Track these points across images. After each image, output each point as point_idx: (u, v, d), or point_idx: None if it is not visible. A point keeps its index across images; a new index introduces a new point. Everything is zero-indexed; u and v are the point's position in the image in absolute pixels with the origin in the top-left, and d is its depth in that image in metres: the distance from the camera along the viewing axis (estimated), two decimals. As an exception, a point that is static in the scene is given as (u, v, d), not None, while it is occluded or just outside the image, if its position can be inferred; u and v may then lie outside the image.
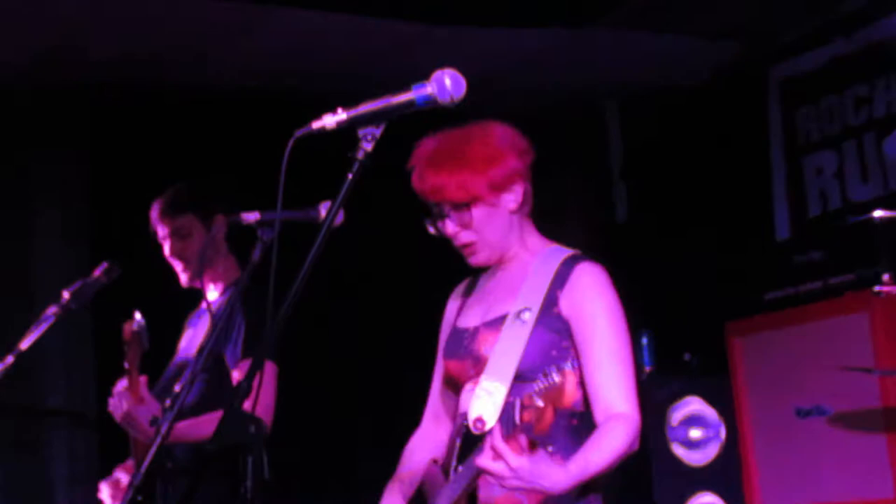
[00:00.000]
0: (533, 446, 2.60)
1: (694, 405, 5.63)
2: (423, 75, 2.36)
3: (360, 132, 2.32)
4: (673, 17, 5.79)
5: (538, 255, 2.92)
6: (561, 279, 2.84)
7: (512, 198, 2.89)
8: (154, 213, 4.05)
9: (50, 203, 5.93)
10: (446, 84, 2.33)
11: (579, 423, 2.83)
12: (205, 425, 3.64)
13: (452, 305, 3.10)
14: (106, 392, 4.00)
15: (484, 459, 2.56)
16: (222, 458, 2.30)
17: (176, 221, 4.01)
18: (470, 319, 2.97)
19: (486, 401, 2.75)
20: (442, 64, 2.38)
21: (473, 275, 3.09)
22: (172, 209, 4.01)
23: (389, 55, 5.80)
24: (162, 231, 4.05)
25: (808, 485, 5.23)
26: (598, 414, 2.78)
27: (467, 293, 3.08)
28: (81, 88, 5.92)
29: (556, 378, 2.45)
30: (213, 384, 3.81)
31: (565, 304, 2.83)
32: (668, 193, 6.57)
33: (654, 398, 5.55)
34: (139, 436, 3.69)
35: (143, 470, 2.45)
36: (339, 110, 2.30)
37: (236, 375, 3.75)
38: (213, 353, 3.79)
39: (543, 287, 2.84)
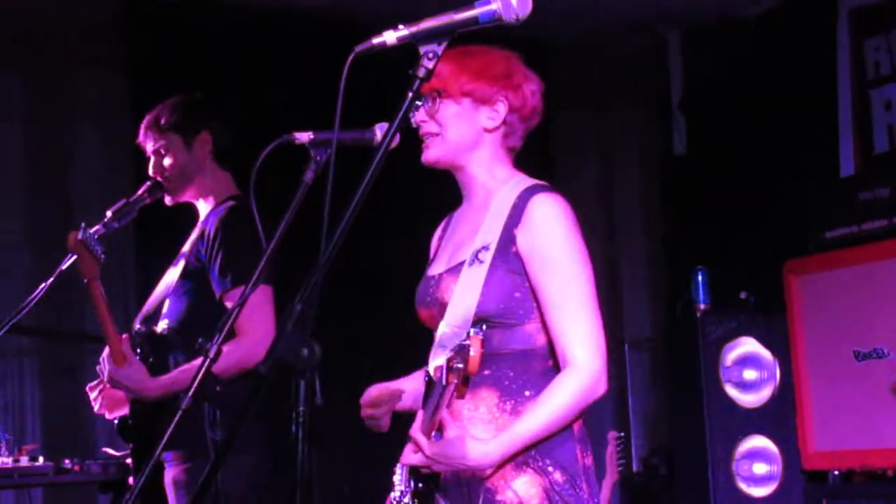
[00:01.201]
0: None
1: (749, 345, 5.52)
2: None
3: (422, 49, 2.22)
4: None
5: (503, 187, 2.82)
6: (517, 214, 2.74)
7: (489, 115, 2.81)
8: (141, 129, 3.95)
9: (91, 120, 5.86)
10: (512, 1, 2.22)
11: (554, 364, 2.74)
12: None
13: (433, 249, 3.04)
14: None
15: (406, 456, 2.63)
16: (263, 395, 2.21)
17: (158, 140, 3.91)
18: (437, 266, 2.91)
19: (444, 351, 2.66)
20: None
21: (450, 214, 3.03)
22: (155, 127, 3.92)
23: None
24: (148, 148, 3.95)
25: (864, 430, 5.16)
26: (560, 361, 2.71)
27: (442, 234, 3.02)
28: (125, 3, 5.81)
29: (466, 343, 2.36)
30: (198, 294, 3.75)
31: (522, 242, 2.73)
32: (729, 126, 6.40)
33: (708, 337, 5.46)
34: (131, 394, 3.68)
35: (189, 394, 2.39)
36: (401, 26, 2.22)
37: (229, 304, 3.65)
38: (198, 266, 3.75)
39: (501, 223, 2.76)
